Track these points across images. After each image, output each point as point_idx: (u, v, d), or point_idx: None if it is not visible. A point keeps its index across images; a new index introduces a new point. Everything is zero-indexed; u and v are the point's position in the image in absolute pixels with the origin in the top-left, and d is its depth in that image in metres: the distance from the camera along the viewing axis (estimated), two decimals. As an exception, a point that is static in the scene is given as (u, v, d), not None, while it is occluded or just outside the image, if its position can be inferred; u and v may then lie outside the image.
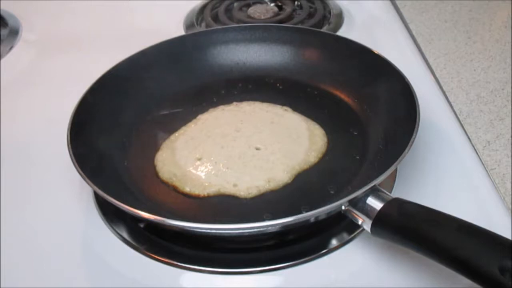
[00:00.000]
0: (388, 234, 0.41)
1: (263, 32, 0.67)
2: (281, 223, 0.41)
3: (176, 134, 0.58)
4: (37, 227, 0.51)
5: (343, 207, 0.43)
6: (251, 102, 0.62)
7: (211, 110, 0.61)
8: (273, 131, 0.57)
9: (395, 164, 0.44)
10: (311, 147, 0.54)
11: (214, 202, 0.50)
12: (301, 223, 0.44)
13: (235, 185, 0.51)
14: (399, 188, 0.51)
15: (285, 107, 0.60)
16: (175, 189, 0.51)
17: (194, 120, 0.59)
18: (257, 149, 0.54)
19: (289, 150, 0.54)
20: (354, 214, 0.43)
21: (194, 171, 0.52)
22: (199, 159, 0.54)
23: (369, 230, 0.42)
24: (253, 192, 0.50)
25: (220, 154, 0.54)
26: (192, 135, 0.57)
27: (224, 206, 0.50)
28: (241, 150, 0.54)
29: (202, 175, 0.52)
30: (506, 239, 0.36)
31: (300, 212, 0.41)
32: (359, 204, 0.42)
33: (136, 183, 0.52)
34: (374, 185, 0.42)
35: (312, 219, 0.43)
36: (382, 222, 0.41)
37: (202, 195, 0.51)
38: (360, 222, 0.42)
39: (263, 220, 0.42)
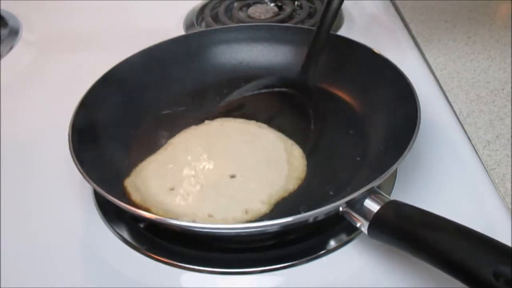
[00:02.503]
0: (385, 236, 0.41)
1: (266, 32, 0.67)
2: (279, 223, 0.41)
3: (147, 161, 0.54)
4: (37, 227, 0.51)
5: (341, 209, 0.43)
6: (224, 120, 0.59)
7: (182, 132, 0.57)
8: (248, 155, 0.53)
9: (393, 166, 0.44)
10: (290, 174, 0.51)
11: None
12: (300, 224, 0.44)
13: (210, 216, 0.47)
14: (399, 188, 0.51)
15: (259, 123, 0.57)
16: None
17: (165, 146, 0.55)
18: (232, 176, 0.50)
19: (267, 177, 0.51)
20: (351, 216, 0.43)
21: (167, 201, 0.49)
22: (172, 189, 0.50)
23: (366, 232, 0.42)
24: (230, 223, 0.47)
25: (193, 183, 0.50)
26: (163, 162, 0.53)
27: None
28: (215, 178, 0.51)
29: (176, 205, 0.48)
30: (502, 244, 0.35)
31: (299, 213, 0.41)
32: (356, 205, 0.42)
33: None
34: (372, 187, 0.42)
35: (311, 220, 0.43)
36: (379, 224, 0.41)
37: None
38: (358, 224, 0.42)
39: (259, 220, 0.42)
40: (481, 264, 0.34)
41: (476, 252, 0.35)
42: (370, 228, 0.41)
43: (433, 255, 0.37)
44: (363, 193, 0.42)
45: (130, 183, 0.51)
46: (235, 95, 0.63)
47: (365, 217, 0.42)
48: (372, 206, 0.42)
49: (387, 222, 0.41)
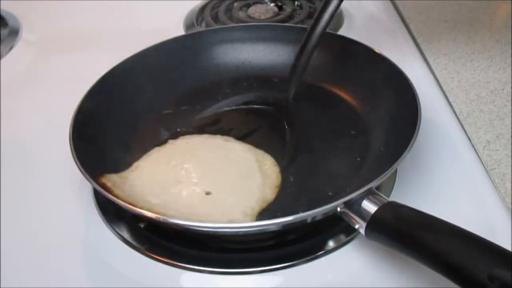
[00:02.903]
0: (382, 237, 0.41)
1: (270, 32, 0.67)
2: (279, 223, 0.41)
3: (118, 180, 0.50)
4: (37, 227, 0.51)
5: (338, 209, 0.43)
6: (188, 137, 0.57)
7: (145, 156, 0.54)
8: (220, 170, 0.52)
9: (391, 168, 0.44)
10: (265, 182, 0.50)
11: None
12: (299, 223, 0.44)
13: None
14: (399, 188, 0.51)
15: (225, 137, 0.56)
16: None
17: (132, 168, 0.53)
18: (208, 193, 0.49)
19: (242, 190, 0.49)
20: (349, 217, 0.43)
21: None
22: (149, 210, 0.45)
23: (363, 233, 0.42)
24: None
25: (171, 206, 0.48)
26: (134, 185, 0.50)
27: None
28: (190, 198, 0.49)
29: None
30: (498, 247, 0.35)
31: (297, 212, 0.41)
32: (354, 206, 0.42)
33: None
34: (370, 188, 0.42)
35: (309, 220, 0.43)
36: (376, 225, 0.41)
37: None
38: (355, 225, 0.42)
39: (257, 220, 0.42)
40: (476, 266, 0.34)
41: (472, 255, 0.35)
42: (367, 229, 0.41)
43: (429, 257, 0.37)
44: (360, 193, 0.42)
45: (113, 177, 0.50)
46: (212, 110, 0.62)
47: (362, 218, 0.42)
48: (370, 207, 0.42)
49: (384, 224, 0.41)
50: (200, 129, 0.59)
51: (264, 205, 0.48)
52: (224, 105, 0.62)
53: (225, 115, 0.61)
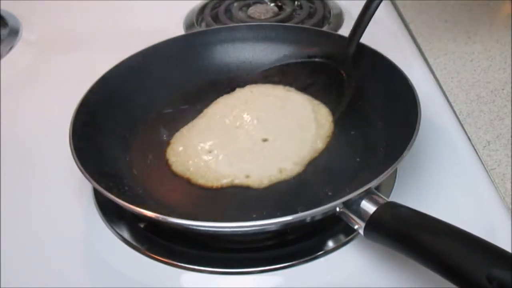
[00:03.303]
0: (380, 238, 0.41)
1: (270, 31, 0.67)
2: (278, 222, 0.42)
3: (186, 128, 0.58)
4: (37, 227, 0.51)
5: (337, 209, 0.43)
6: (252, 86, 0.62)
7: (215, 102, 0.61)
8: (278, 119, 0.57)
9: (390, 168, 0.44)
10: (318, 132, 0.55)
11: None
12: (298, 223, 0.44)
13: (247, 176, 0.51)
14: (399, 189, 0.51)
15: (287, 87, 0.61)
16: (188, 182, 0.52)
17: (201, 115, 0.60)
18: (264, 140, 0.55)
19: (297, 139, 0.54)
20: (348, 217, 0.43)
21: (206, 164, 0.53)
22: (210, 152, 0.54)
23: (362, 233, 0.42)
24: (265, 182, 0.51)
25: (230, 147, 0.54)
26: (201, 128, 0.57)
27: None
28: (249, 142, 0.55)
29: (215, 167, 0.52)
30: (496, 247, 0.35)
31: (296, 212, 0.41)
32: (353, 206, 0.42)
33: (138, 181, 0.52)
34: (369, 188, 0.42)
35: (308, 219, 0.43)
36: (375, 225, 0.41)
37: (215, 186, 0.51)
38: (354, 225, 0.42)
39: (258, 219, 0.42)
40: (474, 267, 0.34)
41: (470, 255, 0.35)
42: (366, 229, 0.41)
43: (427, 257, 0.37)
44: (359, 194, 0.42)
45: (171, 151, 0.55)
46: (275, 62, 0.65)
47: (361, 218, 0.42)
48: (369, 207, 0.42)
49: (383, 224, 0.41)
50: (265, 79, 0.63)
51: (315, 154, 0.53)
52: (288, 58, 0.65)
53: (289, 66, 0.64)
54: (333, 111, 0.58)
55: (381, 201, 0.42)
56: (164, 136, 0.58)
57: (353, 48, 0.60)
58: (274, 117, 0.57)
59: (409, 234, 0.38)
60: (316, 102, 0.59)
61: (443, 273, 0.36)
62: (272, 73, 0.64)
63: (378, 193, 0.43)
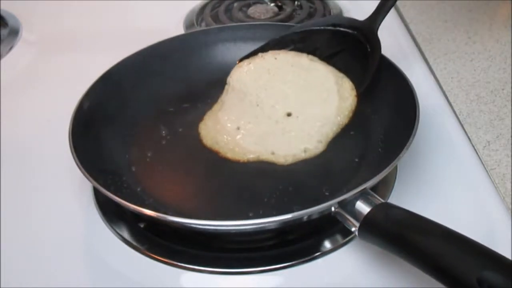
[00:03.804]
0: (374, 238, 0.41)
1: (271, 31, 0.67)
2: (276, 221, 0.41)
3: (218, 104, 0.60)
4: (37, 227, 0.51)
5: (333, 209, 0.43)
6: (276, 53, 0.61)
7: (237, 67, 0.61)
8: (302, 91, 0.57)
9: (386, 169, 0.44)
10: (341, 106, 0.55)
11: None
12: (294, 222, 0.43)
13: (272, 153, 0.53)
14: (398, 189, 0.51)
15: (311, 56, 0.60)
16: (217, 154, 0.54)
17: (226, 87, 0.60)
18: (289, 115, 0.55)
19: (320, 115, 0.55)
20: (343, 217, 0.42)
21: (234, 139, 0.55)
22: (238, 128, 0.56)
23: (357, 233, 0.42)
24: (290, 160, 0.53)
25: (255, 123, 0.55)
26: (229, 104, 0.58)
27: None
28: (274, 117, 0.55)
29: (242, 144, 0.54)
30: (488, 250, 0.35)
31: (292, 211, 0.41)
32: (348, 206, 0.42)
33: (137, 179, 0.52)
34: (365, 189, 0.42)
35: (306, 218, 0.43)
36: (369, 226, 0.41)
37: (242, 160, 0.53)
38: (349, 225, 0.42)
39: (253, 218, 0.42)
40: (465, 269, 0.34)
41: (462, 257, 0.35)
42: (360, 230, 0.41)
43: (419, 258, 0.37)
44: (355, 194, 0.42)
45: (203, 126, 0.58)
46: (299, 28, 0.63)
47: (356, 218, 0.41)
48: (363, 208, 0.41)
49: (376, 225, 0.41)
50: (288, 45, 0.62)
51: (338, 130, 0.54)
52: (311, 24, 0.64)
53: (313, 33, 0.63)
54: (357, 85, 0.57)
55: (376, 201, 0.42)
56: (164, 135, 0.58)
57: (378, 23, 0.59)
58: (296, 90, 0.57)
59: (401, 235, 0.38)
60: (340, 74, 0.58)
61: (434, 275, 0.36)
62: (295, 39, 0.62)
63: (373, 193, 0.43)
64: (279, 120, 0.55)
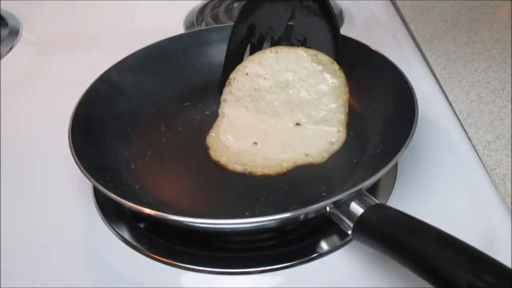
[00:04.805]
0: (367, 239, 0.41)
1: None
2: (275, 219, 0.41)
3: (217, 122, 0.58)
4: (37, 227, 0.51)
5: (328, 209, 0.43)
6: (242, 66, 0.59)
7: (240, 66, 0.59)
8: (305, 96, 0.56)
9: (383, 170, 0.44)
10: (333, 82, 0.55)
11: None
12: (290, 221, 0.44)
13: (307, 155, 0.54)
14: (399, 189, 0.51)
15: (274, 49, 0.58)
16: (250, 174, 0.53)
17: (223, 98, 0.59)
18: (297, 124, 0.56)
19: (324, 108, 0.56)
20: (338, 217, 0.42)
21: (251, 156, 0.54)
22: (256, 143, 0.56)
23: (351, 234, 0.42)
24: (325, 155, 0.54)
25: (272, 136, 0.56)
26: (232, 119, 0.58)
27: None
28: (284, 130, 0.56)
29: (260, 160, 0.54)
30: (480, 253, 0.35)
31: (288, 210, 0.41)
32: (343, 207, 0.42)
33: (136, 177, 0.53)
34: (360, 189, 0.42)
35: (302, 217, 0.43)
36: (362, 227, 0.41)
37: (281, 172, 0.52)
38: (343, 226, 0.42)
39: (249, 217, 0.42)
40: (456, 272, 0.34)
41: (453, 260, 0.35)
42: (353, 230, 0.41)
43: (410, 260, 0.37)
44: (349, 194, 0.42)
45: (216, 153, 0.55)
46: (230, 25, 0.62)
47: (350, 219, 0.41)
48: (357, 209, 0.41)
49: (369, 226, 0.41)
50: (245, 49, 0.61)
51: (347, 108, 0.55)
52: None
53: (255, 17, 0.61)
54: (334, 56, 0.56)
55: (370, 202, 0.42)
56: (164, 134, 0.58)
57: None
58: (300, 95, 0.57)
59: (393, 236, 0.38)
60: (312, 52, 0.56)
61: (425, 276, 0.36)
62: (243, 40, 0.61)
63: (368, 194, 0.43)
64: (289, 133, 0.56)
